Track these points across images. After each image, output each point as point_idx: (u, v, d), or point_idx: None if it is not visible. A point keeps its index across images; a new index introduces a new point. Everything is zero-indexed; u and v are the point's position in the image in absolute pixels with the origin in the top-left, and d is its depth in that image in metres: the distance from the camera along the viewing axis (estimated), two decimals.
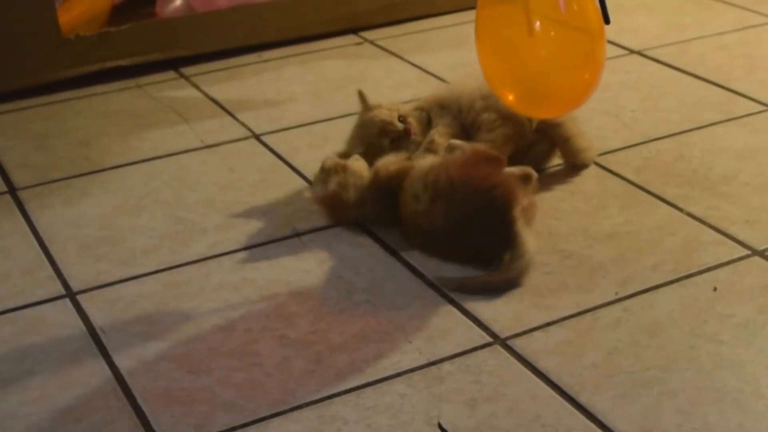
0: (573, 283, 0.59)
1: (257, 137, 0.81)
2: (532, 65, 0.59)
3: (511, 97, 0.61)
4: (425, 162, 0.63)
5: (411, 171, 0.63)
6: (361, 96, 0.70)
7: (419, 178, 0.61)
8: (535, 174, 0.63)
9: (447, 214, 0.59)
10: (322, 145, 0.79)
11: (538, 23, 0.57)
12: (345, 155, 0.69)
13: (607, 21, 0.56)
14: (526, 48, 0.59)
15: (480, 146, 0.63)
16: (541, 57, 0.58)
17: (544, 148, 0.71)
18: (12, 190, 0.75)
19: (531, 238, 0.59)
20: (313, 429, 0.49)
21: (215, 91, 0.91)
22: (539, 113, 0.64)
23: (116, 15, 0.99)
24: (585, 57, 0.58)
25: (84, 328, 0.58)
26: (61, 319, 0.59)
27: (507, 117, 0.67)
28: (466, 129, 0.69)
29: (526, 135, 0.68)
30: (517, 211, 0.59)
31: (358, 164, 0.65)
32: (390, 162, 0.65)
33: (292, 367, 0.53)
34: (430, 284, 0.60)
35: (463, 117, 0.69)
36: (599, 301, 0.58)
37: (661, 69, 0.91)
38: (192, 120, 0.85)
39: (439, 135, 0.67)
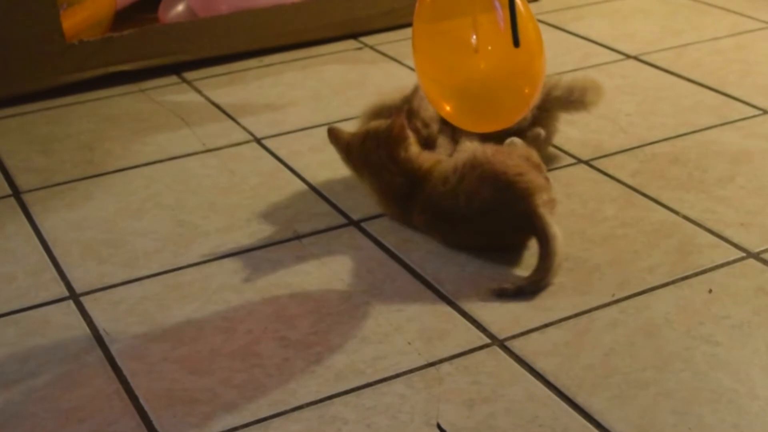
0: (570, 285, 0.60)
1: (258, 141, 0.82)
2: (471, 79, 0.59)
3: (448, 109, 0.60)
4: (456, 155, 0.64)
5: (435, 167, 0.64)
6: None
7: (450, 165, 0.63)
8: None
9: (469, 195, 0.60)
10: (322, 148, 0.80)
11: (474, 38, 0.56)
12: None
13: (516, 44, 0.55)
14: (465, 62, 0.58)
15: (527, 150, 0.64)
16: (480, 70, 0.58)
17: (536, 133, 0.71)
18: (16, 193, 0.76)
19: (559, 233, 0.59)
20: (314, 429, 0.49)
21: (217, 96, 0.91)
22: (477, 126, 0.63)
23: (119, 20, 1.00)
24: (524, 70, 0.58)
25: (87, 330, 0.58)
26: (65, 320, 0.59)
27: None
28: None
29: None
30: (539, 201, 0.60)
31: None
32: (426, 157, 0.65)
33: (292, 367, 0.54)
34: (429, 286, 0.61)
35: None
36: (596, 303, 0.58)
37: (657, 74, 0.91)
38: (194, 124, 0.86)
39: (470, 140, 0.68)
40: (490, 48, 0.57)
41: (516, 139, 0.66)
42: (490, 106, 0.60)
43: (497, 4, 0.56)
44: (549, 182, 0.63)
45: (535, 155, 0.65)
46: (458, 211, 0.61)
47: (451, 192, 0.61)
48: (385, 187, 0.66)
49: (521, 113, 0.62)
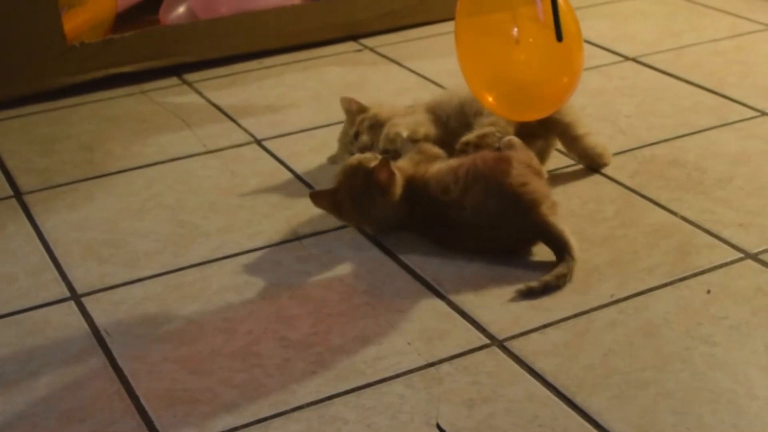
0: (569, 285, 0.60)
1: (259, 142, 0.82)
2: (513, 69, 0.61)
3: (490, 100, 0.62)
4: (451, 161, 0.64)
5: (424, 174, 0.64)
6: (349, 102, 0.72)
7: (449, 172, 0.62)
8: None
9: (476, 206, 0.61)
10: (322, 150, 0.80)
11: (515, 30, 0.58)
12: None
13: (559, 38, 0.57)
14: (506, 53, 0.60)
15: (527, 154, 0.64)
16: (520, 62, 0.60)
17: (542, 145, 0.71)
18: (18, 194, 0.76)
19: (572, 236, 0.60)
20: (314, 429, 0.50)
21: (217, 97, 0.92)
22: (518, 116, 0.65)
23: (120, 22, 1.01)
24: (564, 62, 0.60)
25: (88, 330, 0.58)
26: (66, 321, 0.59)
27: None
28: (458, 129, 0.69)
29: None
30: (546, 210, 0.61)
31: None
32: (405, 167, 0.65)
33: (292, 368, 0.54)
34: (429, 287, 0.61)
35: (465, 112, 0.70)
36: (595, 303, 0.59)
37: (656, 75, 0.92)
38: (195, 125, 0.86)
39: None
40: (531, 40, 0.58)
41: (514, 139, 0.66)
42: (531, 95, 0.61)
43: None
44: (549, 185, 0.64)
45: (534, 159, 0.65)
46: (464, 222, 0.61)
47: (456, 204, 0.61)
48: (388, 221, 0.65)
49: (561, 102, 0.63)
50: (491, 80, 0.62)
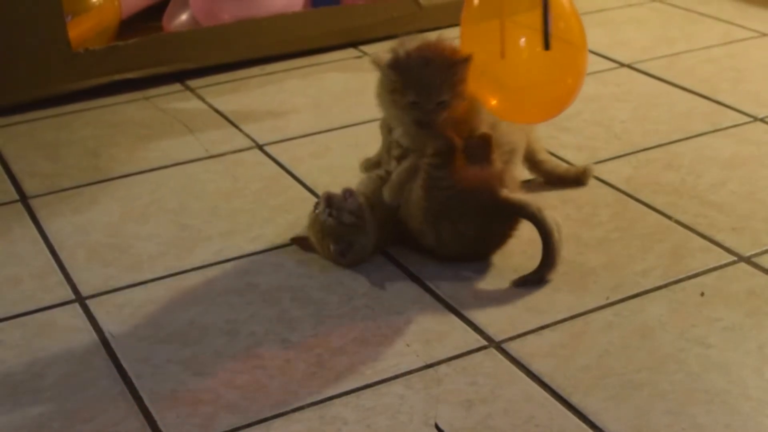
0: (565, 288, 0.61)
1: (260, 147, 0.84)
2: (516, 73, 0.61)
3: (494, 103, 0.63)
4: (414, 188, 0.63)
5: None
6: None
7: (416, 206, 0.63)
8: (490, 135, 0.63)
9: (450, 224, 0.61)
10: (323, 154, 0.81)
11: (523, 39, 0.59)
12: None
13: (546, 47, 0.58)
14: (511, 57, 0.60)
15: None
16: (524, 65, 0.60)
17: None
18: (23, 198, 0.77)
19: (549, 213, 0.60)
20: (315, 429, 0.50)
21: (220, 103, 0.93)
22: (522, 119, 0.65)
23: (124, 29, 1.02)
24: (568, 66, 0.60)
25: (93, 332, 0.59)
26: (71, 323, 0.60)
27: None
28: None
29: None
30: (507, 192, 0.60)
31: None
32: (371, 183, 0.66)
33: (294, 369, 0.55)
34: (427, 289, 0.62)
35: None
36: (591, 306, 0.59)
37: (651, 81, 0.93)
38: (197, 131, 0.87)
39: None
40: (538, 49, 0.59)
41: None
42: (535, 98, 0.61)
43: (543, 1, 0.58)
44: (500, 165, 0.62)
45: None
46: (443, 236, 0.61)
47: (429, 231, 0.61)
48: (381, 237, 0.65)
49: (565, 105, 0.63)
50: (494, 84, 0.62)
